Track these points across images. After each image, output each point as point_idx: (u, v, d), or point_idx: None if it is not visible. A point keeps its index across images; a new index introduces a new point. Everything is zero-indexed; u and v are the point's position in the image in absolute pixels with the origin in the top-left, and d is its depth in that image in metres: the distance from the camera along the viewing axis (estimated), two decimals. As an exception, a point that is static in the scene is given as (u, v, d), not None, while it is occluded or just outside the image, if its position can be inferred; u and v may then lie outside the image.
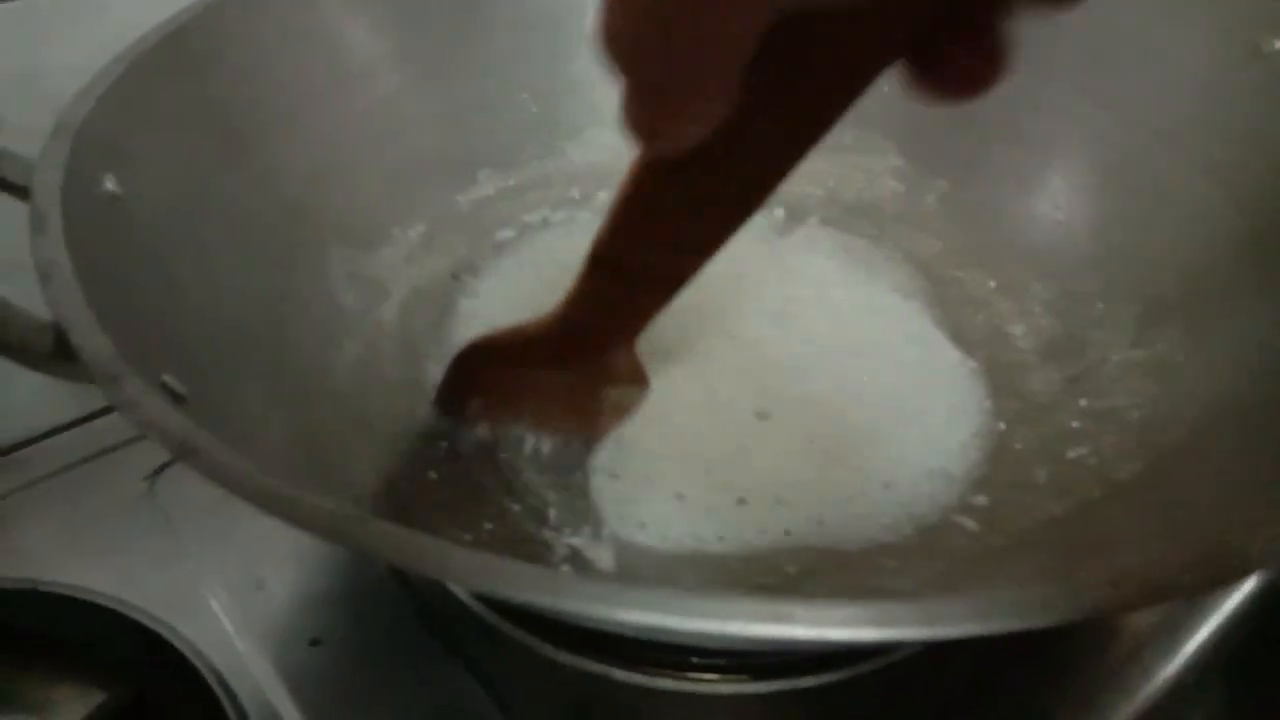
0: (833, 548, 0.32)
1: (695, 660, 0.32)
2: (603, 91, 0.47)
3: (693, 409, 0.37)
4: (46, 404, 0.43)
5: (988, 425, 0.37)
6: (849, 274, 0.44)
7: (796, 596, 0.29)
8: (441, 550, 0.17)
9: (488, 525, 0.33)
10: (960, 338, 0.40)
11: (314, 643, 0.34)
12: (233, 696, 0.32)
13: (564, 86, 0.47)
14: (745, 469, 0.35)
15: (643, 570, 0.32)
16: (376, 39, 0.42)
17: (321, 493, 0.19)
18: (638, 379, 0.35)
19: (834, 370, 0.38)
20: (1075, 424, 0.35)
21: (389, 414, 0.36)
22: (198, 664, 0.32)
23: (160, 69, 0.32)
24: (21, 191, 0.27)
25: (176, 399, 0.23)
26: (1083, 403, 0.36)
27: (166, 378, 0.24)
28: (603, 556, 0.32)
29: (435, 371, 0.38)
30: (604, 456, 0.35)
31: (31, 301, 0.23)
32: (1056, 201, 0.42)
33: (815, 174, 0.48)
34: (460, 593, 0.34)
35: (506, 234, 0.45)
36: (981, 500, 0.34)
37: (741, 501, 0.33)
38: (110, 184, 0.28)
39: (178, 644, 0.33)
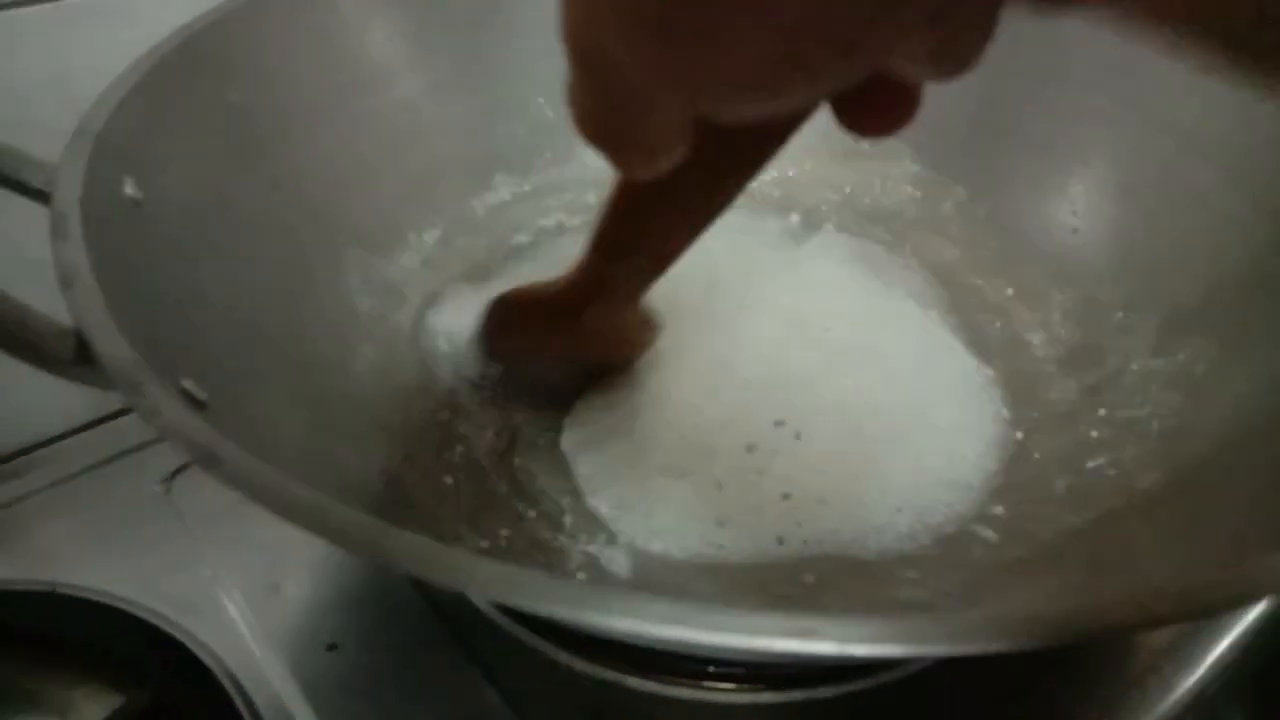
0: (850, 557, 0.32)
1: (711, 670, 0.32)
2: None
3: (709, 417, 0.37)
4: (63, 406, 0.43)
5: (1006, 434, 0.37)
6: (865, 281, 0.44)
7: (819, 610, 0.29)
8: (466, 564, 0.17)
9: (504, 532, 0.33)
10: (978, 346, 0.40)
11: (330, 647, 0.34)
12: (249, 701, 0.32)
13: (580, 92, 0.47)
14: (761, 478, 0.34)
15: (658, 578, 0.31)
16: (394, 45, 0.42)
17: (338, 499, 0.19)
18: (649, 326, 0.37)
19: (850, 378, 0.38)
20: (1095, 434, 0.35)
21: (405, 419, 0.36)
22: (214, 668, 0.32)
23: (179, 73, 0.33)
24: (44, 197, 0.27)
25: (197, 405, 0.23)
26: (1102, 412, 0.36)
27: (186, 383, 0.24)
28: (618, 564, 0.32)
29: (450, 375, 0.38)
30: (619, 464, 0.35)
31: (53, 307, 0.23)
32: (1076, 208, 0.41)
33: (832, 180, 0.48)
34: (476, 599, 0.34)
35: (522, 239, 0.45)
36: (999, 510, 0.34)
37: (758, 511, 0.33)
38: (130, 188, 0.28)
39: (194, 648, 0.33)
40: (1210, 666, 0.34)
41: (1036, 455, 0.35)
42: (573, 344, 0.36)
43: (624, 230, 0.29)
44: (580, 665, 0.32)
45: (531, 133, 0.46)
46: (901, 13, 0.16)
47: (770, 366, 0.38)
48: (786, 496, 0.34)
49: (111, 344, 0.22)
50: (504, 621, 0.34)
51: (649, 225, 0.29)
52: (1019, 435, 0.36)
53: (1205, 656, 0.34)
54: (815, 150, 0.48)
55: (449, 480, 0.34)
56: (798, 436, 0.36)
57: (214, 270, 0.31)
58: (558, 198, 0.47)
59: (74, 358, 0.23)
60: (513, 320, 0.37)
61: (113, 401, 0.43)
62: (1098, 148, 0.41)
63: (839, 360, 0.39)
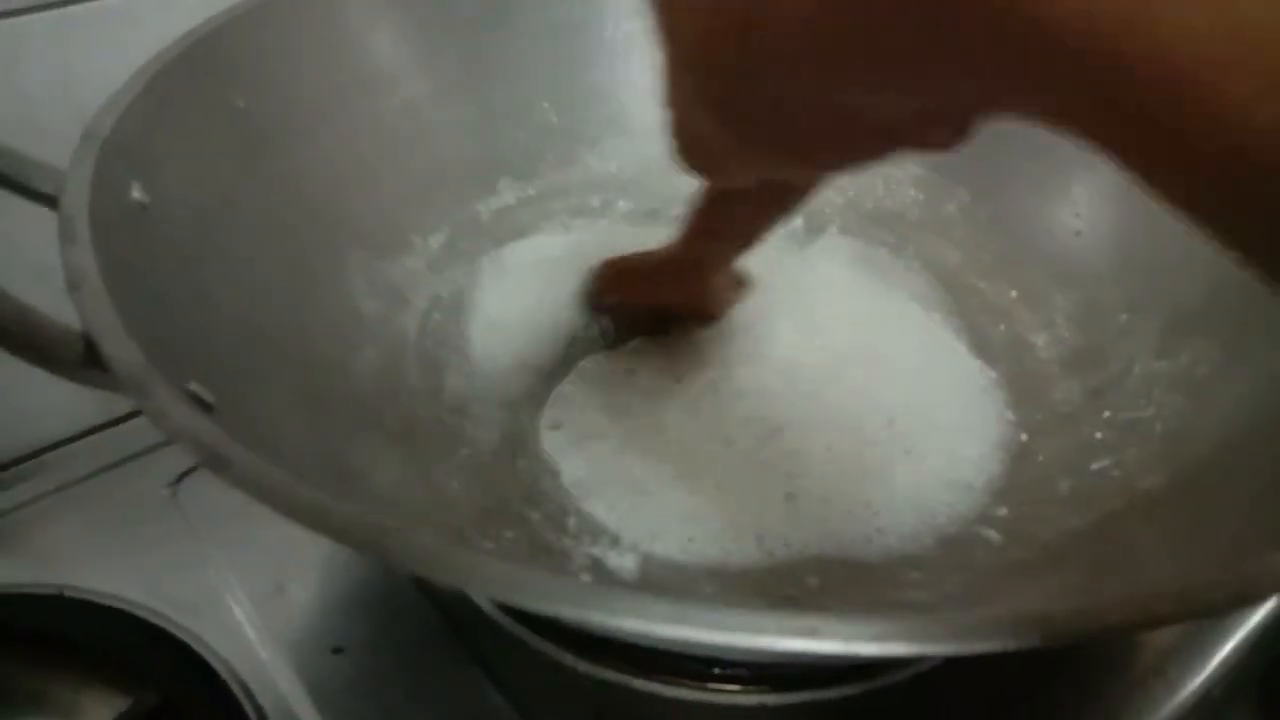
0: (854, 559, 0.32)
1: (717, 671, 0.32)
2: (622, 102, 0.48)
3: (712, 420, 0.37)
4: (70, 410, 0.43)
5: (1009, 436, 0.37)
6: (869, 283, 0.44)
7: (824, 610, 0.29)
8: (469, 563, 0.17)
9: (508, 533, 0.33)
10: (981, 348, 0.40)
11: (336, 650, 0.34)
12: (255, 703, 0.32)
13: (584, 96, 0.47)
14: (765, 480, 0.34)
15: (663, 580, 0.32)
16: (398, 49, 0.42)
17: (345, 501, 0.19)
18: (739, 284, 0.41)
19: (853, 380, 0.38)
20: (1098, 435, 0.35)
21: (410, 421, 0.36)
22: (220, 670, 0.32)
23: (185, 78, 0.33)
24: (52, 201, 0.27)
25: (205, 408, 0.23)
26: (1106, 414, 0.36)
27: (194, 386, 0.24)
28: (623, 566, 0.32)
29: (455, 379, 0.38)
30: (623, 467, 0.35)
31: (61, 310, 0.24)
32: (1078, 211, 0.41)
33: (835, 183, 0.48)
34: (481, 601, 0.35)
35: (526, 242, 0.45)
36: (1003, 511, 0.34)
37: (761, 513, 0.33)
38: (137, 192, 0.29)
39: (201, 651, 0.33)
40: (1215, 668, 0.34)
41: (1040, 457, 0.36)
42: (671, 299, 0.40)
43: (709, 220, 0.34)
44: (585, 666, 0.32)
45: (535, 137, 0.46)
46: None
47: (774, 369, 0.39)
48: (790, 498, 0.34)
49: (120, 347, 0.22)
50: (508, 623, 0.34)
51: (730, 218, 0.33)
52: (1022, 437, 0.37)
53: (1210, 658, 0.34)
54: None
55: (453, 482, 0.34)
56: (801, 439, 0.36)
57: (219, 273, 0.31)
58: (561, 201, 0.47)
59: (82, 361, 0.23)
60: (618, 278, 0.41)
61: (120, 405, 0.44)
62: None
63: (842, 363, 0.39)
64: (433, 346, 0.39)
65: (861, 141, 0.21)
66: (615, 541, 0.33)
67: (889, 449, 0.36)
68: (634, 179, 0.48)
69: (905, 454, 0.35)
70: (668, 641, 0.17)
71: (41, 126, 0.38)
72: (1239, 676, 0.34)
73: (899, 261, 0.45)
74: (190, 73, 0.33)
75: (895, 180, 0.47)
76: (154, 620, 0.34)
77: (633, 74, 0.47)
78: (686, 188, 0.47)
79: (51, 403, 0.42)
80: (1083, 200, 0.42)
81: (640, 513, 0.34)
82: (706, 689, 0.32)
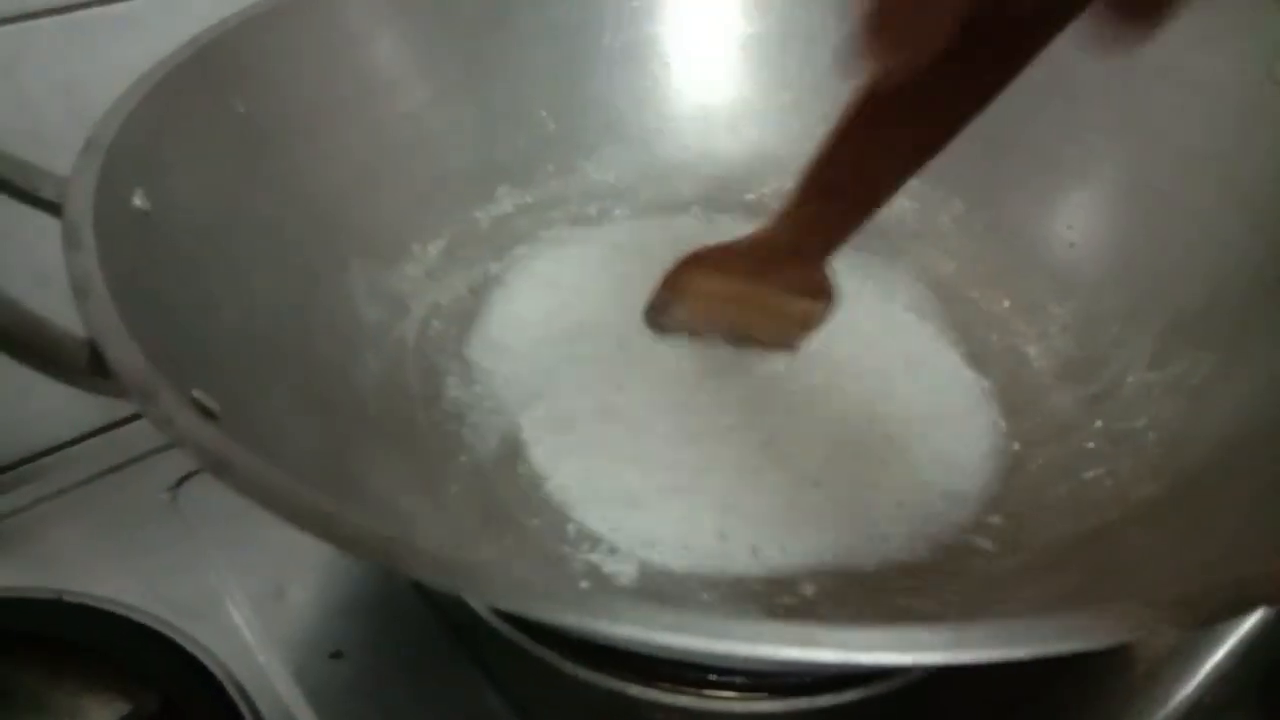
0: (850, 568, 0.32)
1: (713, 678, 0.32)
2: (620, 110, 0.48)
3: (707, 430, 0.37)
4: (69, 414, 0.44)
5: (1003, 445, 0.37)
6: (863, 293, 0.44)
7: (821, 618, 0.29)
8: (470, 569, 0.17)
9: (507, 540, 0.33)
10: (975, 358, 0.41)
11: (335, 655, 0.34)
12: (254, 707, 0.32)
13: (582, 105, 0.47)
14: (761, 488, 0.35)
15: (660, 589, 0.32)
16: (399, 57, 0.42)
17: (346, 507, 0.19)
18: (826, 293, 0.37)
19: (848, 390, 0.38)
20: (1092, 445, 0.36)
21: (410, 428, 0.36)
22: (220, 674, 0.32)
23: (188, 85, 0.33)
24: (55, 208, 0.27)
25: (208, 414, 0.24)
26: (1099, 424, 0.36)
27: (197, 393, 0.24)
28: (621, 573, 0.32)
29: (454, 386, 0.39)
30: (617, 477, 0.35)
31: (64, 315, 0.24)
32: (1073, 222, 0.42)
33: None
34: (479, 607, 0.35)
35: (524, 250, 0.45)
36: (997, 520, 0.34)
37: (757, 523, 0.34)
38: (139, 200, 0.29)
39: (200, 655, 0.33)
40: (1209, 675, 0.34)
41: (1034, 466, 0.36)
42: (749, 316, 0.38)
43: (848, 155, 0.30)
44: (584, 673, 0.33)
45: (533, 144, 0.47)
46: None
47: (768, 378, 0.39)
48: (785, 507, 0.34)
49: (126, 354, 0.22)
50: (507, 629, 0.34)
51: (875, 149, 0.29)
52: (1016, 446, 0.37)
53: (1203, 665, 0.34)
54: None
55: (453, 488, 0.34)
56: (796, 448, 0.36)
57: (222, 280, 0.31)
58: (560, 209, 0.47)
59: (88, 368, 0.23)
60: (688, 290, 0.38)
61: (119, 409, 0.44)
62: (1096, 162, 0.41)
63: (837, 372, 0.39)
64: (432, 354, 0.40)
65: None
66: (614, 549, 0.33)
67: (884, 458, 0.36)
68: (631, 187, 0.48)
69: (900, 463, 0.36)
70: (667, 649, 0.17)
71: (45, 133, 0.38)
72: (1233, 683, 0.34)
73: (893, 271, 0.45)
74: (193, 79, 0.33)
75: (891, 190, 0.47)
76: (153, 624, 0.34)
77: (631, 82, 0.48)
78: (684, 194, 0.48)
79: (51, 407, 0.42)
80: (1077, 211, 0.42)
81: (635, 522, 0.34)
82: (703, 696, 0.32)
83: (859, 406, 0.38)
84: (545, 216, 0.47)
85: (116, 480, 0.41)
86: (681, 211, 0.48)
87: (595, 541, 0.33)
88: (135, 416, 0.43)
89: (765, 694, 0.32)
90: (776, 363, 0.39)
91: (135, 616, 0.34)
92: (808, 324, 0.38)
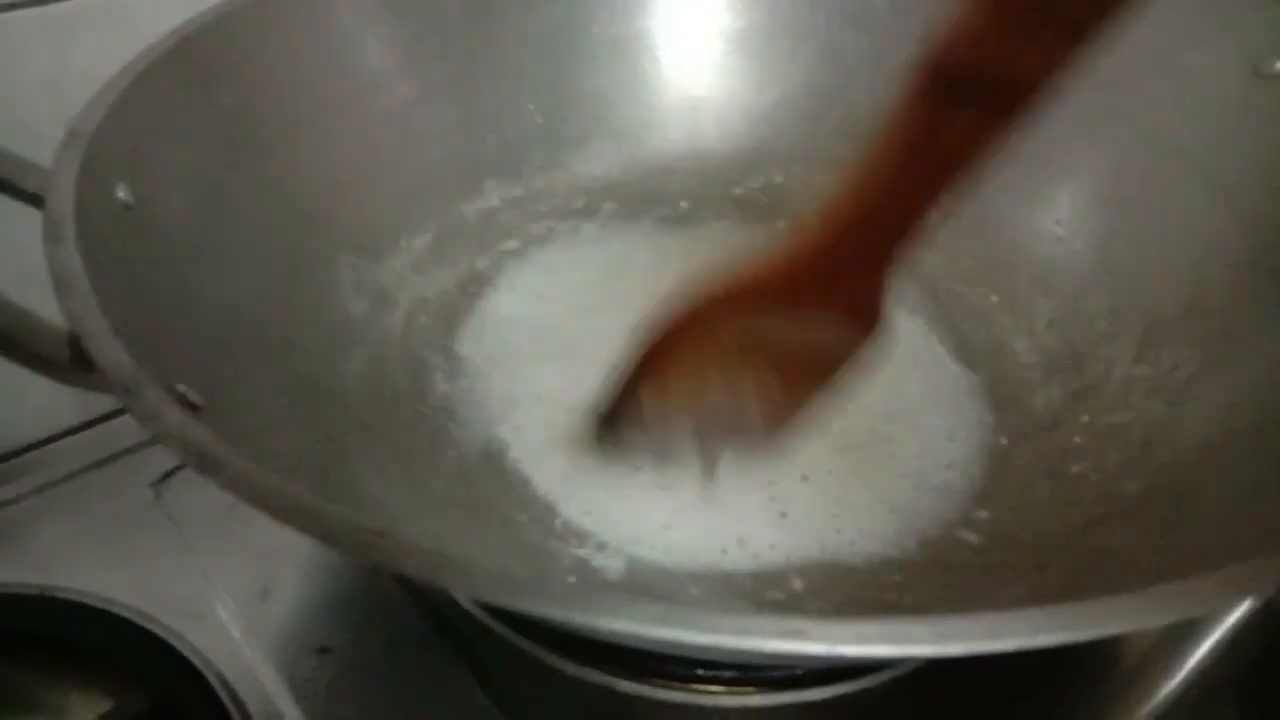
0: (837, 562, 0.32)
1: (701, 672, 0.32)
2: (608, 104, 0.48)
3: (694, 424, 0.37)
4: (52, 409, 0.43)
5: (990, 440, 0.37)
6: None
7: (808, 612, 0.29)
8: (456, 565, 0.17)
9: (494, 535, 0.33)
10: (962, 353, 0.41)
11: (321, 651, 0.34)
12: (240, 703, 0.32)
13: (569, 99, 0.47)
14: (749, 485, 0.35)
15: (648, 583, 0.32)
16: (387, 50, 0.42)
17: (332, 503, 0.19)
18: (876, 314, 0.27)
19: (835, 385, 0.38)
20: (1078, 440, 0.36)
21: (397, 423, 0.36)
22: (205, 671, 0.32)
23: (172, 77, 0.33)
24: (37, 200, 0.27)
25: (192, 409, 0.23)
26: (1085, 419, 0.36)
27: (182, 387, 0.24)
28: (609, 568, 0.32)
29: (440, 381, 0.38)
30: (605, 471, 0.35)
31: (49, 310, 0.24)
32: (1060, 217, 0.42)
33: (817, 186, 0.48)
34: (466, 602, 0.35)
35: (511, 244, 0.45)
36: (984, 515, 0.34)
37: (745, 518, 0.34)
38: (123, 192, 0.28)
39: (185, 651, 0.33)
40: (1193, 668, 0.34)
41: (1020, 461, 0.36)
42: (772, 372, 0.27)
43: (897, 153, 0.23)
44: (571, 668, 0.32)
45: (521, 138, 0.46)
46: None
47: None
48: (773, 502, 0.34)
49: (108, 348, 0.22)
50: (494, 624, 0.34)
51: (946, 128, 0.22)
52: (1003, 441, 0.37)
53: (1188, 659, 0.34)
54: (802, 157, 0.48)
55: (439, 483, 0.34)
56: (783, 444, 0.36)
57: (206, 274, 0.31)
58: (547, 204, 0.47)
59: (70, 362, 0.23)
60: (687, 349, 0.27)
61: (102, 405, 0.43)
62: (1082, 158, 0.42)
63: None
64: (418, 348, 0.39)
65: None
66: (602, 545, 0.33)
67: (871, 453, 0.36)
68: (619, 181, 0.48)
69: (887, 458, 0.36)
70: (654, 643, 0.17)
71: (28, 125, 0.37)
72: (1217, 676, 0.34)
73: (881, 266, 0.45)
74: (177, 71, 0.33)
75: (879, 185, 0.47)
76: (137, 620, 0.33)
77: (619, 76, 0.48)
78: (672, 189, 0.48)
79: (33, 403, 0.42)
80: (1064, 207, 0.42)
81: (622, 518, 0.34)
82: (691, 690, 0.32)
83: (846, 401, 0.38)
84: (533, 210, 0.46)
85: (101, 476, 0.41)
86: (670, 205, 0.48)
87: (583, 536, 0.33)
88: (119, 412, 0.43)
89: (754, 688, 0.32)
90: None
91: (120, 612, 0.34)
92: (848, 363, 0.28)
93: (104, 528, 0.38)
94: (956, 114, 0.22)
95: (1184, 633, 0.35)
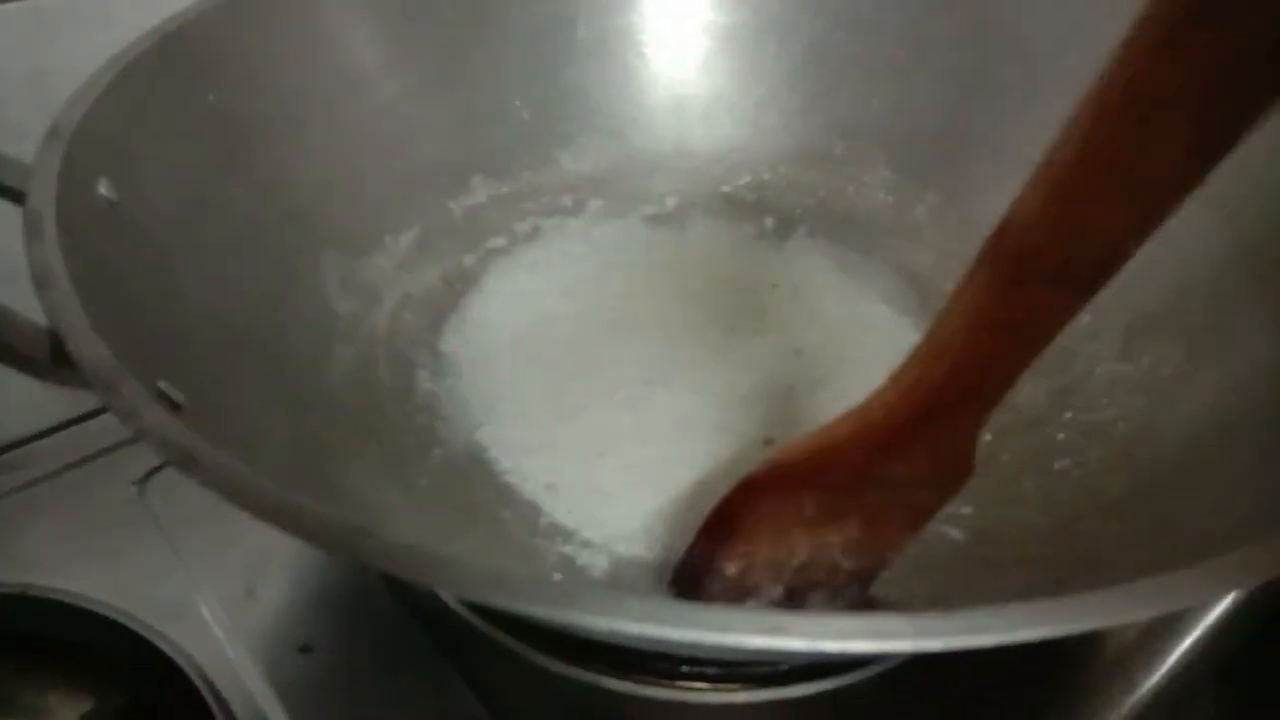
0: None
1: (686, 669, 0.32)
2: (595, 100, 0.48)
3: (681, 423, 0.37)
4: (35, 407, 0.43)
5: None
6: (839, 286, 0.44)
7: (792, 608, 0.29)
8: (439, 563, 0.17)
9: (480, 533, 0.33)
10: (948, 349, 0.41)
11: (304, 649, 0.34)
12: (223, 703, 0.32)
13: (557, 96, 0.47)
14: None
15: (634, 580, 0.32)
16: (372, 46, 0.42)
17: (316, 501, 0.19)
18: (967, 468, 0.25)
19: (824, 384, 0.38)
20: (1061, 436, 0.36)
21: (383, 421, 0.36)
22: (188, 670, 0.32)
23: (155, 73, 0.32)
24: (18, 196, 0.26)
25: (174, 406, 0.23)
26: (1069, 415, 0.36)
27: (163, 384, 0.24)
28: (594, 566, 0.32)
29: (426, 378, 0.38)
30: (589, 471, 0.35)
31: (29, 307, 0.23)
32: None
33: (806, 184, 0.48)
34: (450, 600, 0.34)
35: (498, 241, 0.45)
36: (967, 510, 0.34)
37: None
38: (105, 189, 0.28)
39: (168, 650, 0.33)
40: (1175, 663, 0.34)
41: (1004, 457, 0.36)
42: (853, 528, 0.25)
43: (1070, 209, 0.20)
44: (556, 666, 0.32)
45: (508, 134, 0.46)
46: None
47: (744, 375, 0.39)
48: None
49: (87, 344, 0.22)
50: (478, 621, 0.34)
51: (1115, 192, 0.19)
52: (988, 437, 0.36)
53: (1170, 654, 0.34)
54: (789, 155, 0.48)
55: (425, 481, 0.34)
56: (768, 443, 0.36)
57: (191, 271, 0.31)
58: (534, 201, 0.47)
59: (50, 358, 0.23)
60: (763, 518, 0.26)
61: (85, 403, 0.43)
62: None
63: (813, 367, 0.39)
64: (404, 346, 0.39)
65: None
66: (586, 542, 0.33)
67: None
68: (607, 178, 0.48)
69: (874, 454, 0.36)
70: (636, 639, 0.17)
71: (9, 121, 0.37)
72: (1198, 671, 0.34)
73: (869, 264, 0.45)
74: (161, 66, 0.33)
75: (866, 183, 0.48)
76: (121, 619, 0.33)
77: (606, 73, 0.47)
78: (659, 186, 0.48)
79: (16, 401, 0.42)
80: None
81: (606, 516, 0.34)
82: (677, 687, 0.32)
83: (834, 399, 0.38)
84: (520, 207, 0.46)
85: (83, 474, 0.41)
86: (657, 203, 0.48)
87: (568, 534, 0.33)
88: (102, 410, 0.43)
89: (738, 685, 0.32)
90: (752, 355, 0.40)
91: (102, 611, 0.33)
92: (932, 510, 0.26)
93: (86, 526, 0.38)
94: (1020, 295, 0.21)
95: (1166, 626, 0.35)
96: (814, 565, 0.26)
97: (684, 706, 0.32)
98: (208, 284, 0.31)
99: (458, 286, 0.43)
